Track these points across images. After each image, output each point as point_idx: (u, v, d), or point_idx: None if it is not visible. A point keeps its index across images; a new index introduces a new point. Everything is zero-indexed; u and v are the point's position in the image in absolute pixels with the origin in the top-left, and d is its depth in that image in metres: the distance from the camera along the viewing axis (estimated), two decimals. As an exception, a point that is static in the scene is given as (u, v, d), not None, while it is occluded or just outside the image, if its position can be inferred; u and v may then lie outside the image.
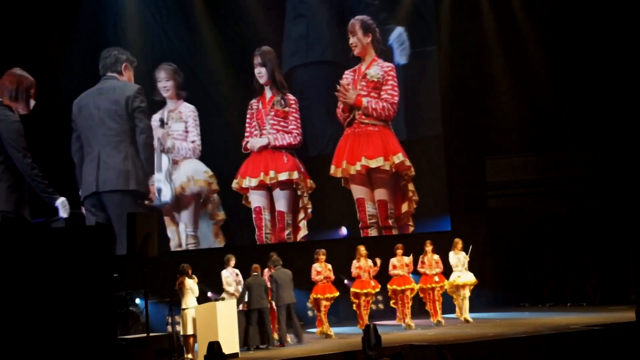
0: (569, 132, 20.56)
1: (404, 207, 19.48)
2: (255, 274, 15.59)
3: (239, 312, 15.32)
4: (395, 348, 13.06)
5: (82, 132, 17.45)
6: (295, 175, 18.82)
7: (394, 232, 19.34)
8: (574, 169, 20.35)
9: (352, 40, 19.25)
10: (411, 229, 19.46)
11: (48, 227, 14.92)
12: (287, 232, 18.74)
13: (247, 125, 18.83)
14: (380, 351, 10.71)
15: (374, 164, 19.20)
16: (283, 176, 18.78)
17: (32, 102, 14.84)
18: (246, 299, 15.48)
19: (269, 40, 18.94)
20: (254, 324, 15.33)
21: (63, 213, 14.02)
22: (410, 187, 19.51)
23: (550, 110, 20.66)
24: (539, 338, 14.30)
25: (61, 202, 14.05)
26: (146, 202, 17.84)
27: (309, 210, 18.92)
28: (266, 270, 16.07)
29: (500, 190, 20.66)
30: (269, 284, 15.68)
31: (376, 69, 19.35)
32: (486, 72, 20.73)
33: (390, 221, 19.28)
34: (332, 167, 19.19)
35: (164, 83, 18.29)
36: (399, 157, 19.36)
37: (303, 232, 18.92)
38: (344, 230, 19.29)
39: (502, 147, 20.77)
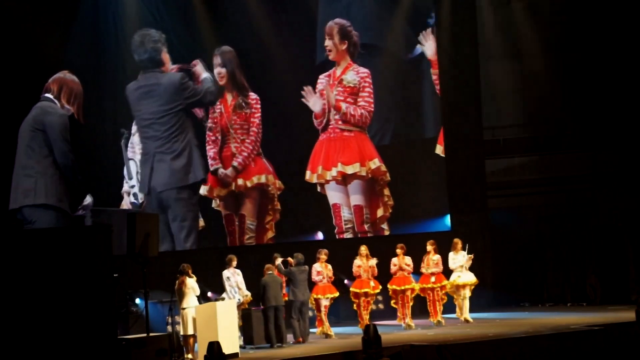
0: (569, 132, 20.55)
1: (380, 212, 19.36)
2: (270, 272, 15.65)
3: (254, 310, 15.49)
4: (395, 348, 13.11)
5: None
6: (264, 179, 18.41)
7: (370, 236, 19.15)
8: (574, 169, 20.35)
9: (327, 42, 19.14)
10: (386, 232, 19.37)
11: (48, 228, 14.98)
12: (247, 236, 18.26)
13: (208, 128, 18.10)
14: (380, 351, 10.73)
15: (350, 170, 19.04)
16: (252, 182, 18.35)
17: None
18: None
19: (268, 40, 18.92)
20: (272, 322, 15.38)
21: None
22: (386, 191, 19.35)
23: (550, 111, 20.66)
24: (539, 338, 14.31)
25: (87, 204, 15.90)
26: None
27: (278, 212, 18.56)
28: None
29: (500, 190, 20.66)
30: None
31: (352, 74, 19.19)
32: (486, 72, 20.72)
33: (365, 226, 19.19)
34: (308, 173, 18.91)
35: None
36: (375, 163, 19.20)
37: (270, 234, 18.49)
38: (320, 236, 19.17)
39: (502, 147, 20.77)
